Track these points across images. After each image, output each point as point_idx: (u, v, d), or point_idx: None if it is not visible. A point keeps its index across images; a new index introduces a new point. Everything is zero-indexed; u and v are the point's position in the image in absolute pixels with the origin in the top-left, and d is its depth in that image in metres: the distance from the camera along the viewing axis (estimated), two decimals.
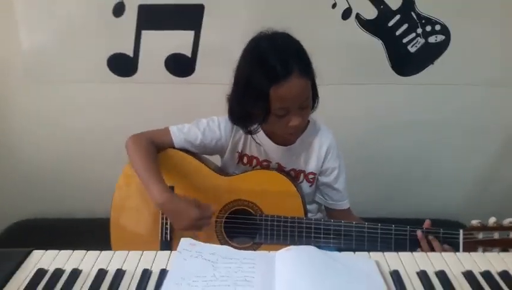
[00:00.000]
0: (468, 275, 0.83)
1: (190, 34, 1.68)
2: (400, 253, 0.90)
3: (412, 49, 1.69)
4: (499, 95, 1.77)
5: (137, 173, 1.17)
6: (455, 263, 0.88)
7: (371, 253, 0.90)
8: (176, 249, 0.87)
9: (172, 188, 1.23)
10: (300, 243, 1.15)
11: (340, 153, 1.30)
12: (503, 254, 0.91)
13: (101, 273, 0.83)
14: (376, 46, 1.69)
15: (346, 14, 1.65)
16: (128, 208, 1.28)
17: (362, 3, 1.63)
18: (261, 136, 1.25)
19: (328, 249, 1.11)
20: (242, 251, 0.90)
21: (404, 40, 1.69)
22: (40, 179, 1.93)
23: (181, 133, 1.26)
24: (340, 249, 1.12)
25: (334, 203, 1.31)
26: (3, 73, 1.77)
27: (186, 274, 0.81)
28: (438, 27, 1.66)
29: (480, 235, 1.07)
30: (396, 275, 0.83)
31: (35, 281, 0.81)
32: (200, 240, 0.91)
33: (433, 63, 1.71)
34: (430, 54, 1.71)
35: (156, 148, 1.24)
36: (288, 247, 0.88)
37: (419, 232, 1.11)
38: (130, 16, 1.66)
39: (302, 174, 1.28)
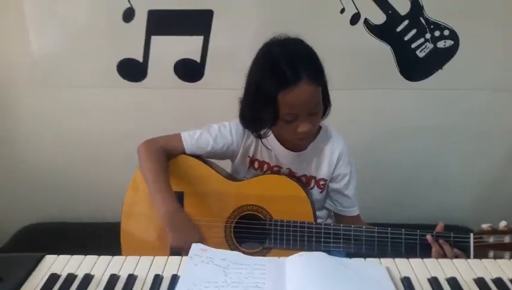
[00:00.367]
0: (480, 282, 0.83)
1: (199, 39, 1.69)
2: (410, 259, 0.90)
3: (420, 54, 1.69)
4: (507, 100, 1.76)
5: (147, 182, 1.18)
6: (466, 269, 0.87)
7: (382, 259, 0.90)
8: (185, 255, 0.88)
9: (182, 193, 1.24)
10: (310, 248, 1.16)
11: (352, 159, 1.30)
12: None
13: (113, 279, 0.84)
14: (384, 51, 1.69)
15: (354, 19, 1.65)
16: (138, 212, 1.28)
17: (371, 9, 1.64)
18: (272, 141, 1.26)
19: (338, 253, 1.12)
20: (253, 256, 0.90)
21: (413, 45, 1.68)
22: (48, 184, 1.94)
23: (192, 139, 1.26)
24: (350, 254, 1.13)
25: (344, 209, 1.30)
26: (12, 77, 1.78)
27: (197, 280, 0.81)
28: (446, 32, 1.66)
29: (491, 239, 1.06)
30: (407, 282, 0.83)
31: (48, 286, 0.82)
32: (209, 245, 0.91)
33: (441, 68, 1.71)
34: (439, 59, 1.70)
35: (167, 156, 1.24)
36: (299, 253, 0.88)
37: (429, 236, 1.10)
38: (140, 21, 1.67)
39: (313, 180, 1.28)
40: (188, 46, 1.71)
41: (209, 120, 1.31)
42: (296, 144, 1.23)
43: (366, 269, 0.86)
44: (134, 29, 1.68)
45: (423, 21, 1.65)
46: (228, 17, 1.66)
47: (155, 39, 1.70)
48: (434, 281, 0.83)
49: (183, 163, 1.27)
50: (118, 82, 1.75)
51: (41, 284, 0.83)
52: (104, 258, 0.90)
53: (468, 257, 1.06)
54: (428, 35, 1.67)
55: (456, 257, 1.05)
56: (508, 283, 0.83)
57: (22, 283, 0.83)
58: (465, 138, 1.84)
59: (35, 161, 1.92)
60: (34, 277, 0.85)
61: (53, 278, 0.84)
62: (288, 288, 0.79)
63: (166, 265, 0.88)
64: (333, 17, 1.65)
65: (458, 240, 1.09)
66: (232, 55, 1.66)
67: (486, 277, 0.84)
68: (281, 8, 1.64)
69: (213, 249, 0.90)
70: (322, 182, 1.28)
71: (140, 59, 1.73)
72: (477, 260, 0.91)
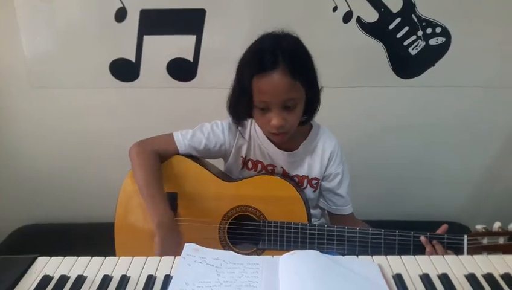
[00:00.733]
0: (471, 278, 0.83)
1: (192, 38, 1.69)
2: (402, 256, 0.90)
3: (412, 51, 1.70)
4: (500, 96, 1.77)
5: (139, 187, 1.18)
6: (458, 266, 0.88)
7: (374, 257, 0.90)
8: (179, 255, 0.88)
9: (175, 194, 1.23)
10: (303, 249, 1.16)
11: (344, 158, 1.29)
12: (505, 257, 0.91)
13: (106, 280, 0.83)
14: (377, 49, 1.70)
15: (347, 17, 1.65)
16: (132, 212, 1.27)
17: (363, 7, 1.64)
18: (264, 140, 1.26)
19: (331, 254, 1.11)
20: (246, 255, 0.90)
21: (405, 43, 1.69)
22: (42, 185, 1.93)
23: (185, 139, 1.26)
24: (343, 255, 1.13)
25: (337, 208, 1.30)
26: (6, 79, 1.77)
27: (190, 279, 0.81)
28: (438, 29, 1.66)
29: (485, 241, 1.06)
30: (399, 279, 0.83)
31: (41, 287, 0.82)
32: (203, 246, 0.91)
33: (434, 65, 1.72)
34: (431, 56, 1.71)
35: (159, 159, 1.24)
36: (292, 251, 0.88)
37: (423, 238, 1.10)
38: (132, 21, 1.66)
39: (306, 180, 1.28)
40: (180, 45, 1.71)
41: (203, 119, 1.31)
42: (275, 139, 1.21)
43: (358, 266, 0.86)
44: (127, 29, 1.67)
45: (415, 18, 1.65)
46: (221, 16, 1.66)
47: (147, 39, 1.69)
48: (426, 278, 0.83)
49: (176, 163, 1.26)
50: (110, 82, 1.75)
51: (34, 286, 0.82)
52: (97, 259, 0.90)
53: None
54: (420, 33, 1.67)
55: None
56: (499, 279, 0.83)
57: (14, 285, 0.82)
58: (458, 135, 1.84)
59: (29, 162, 1.91)
60: (26, 279, 0.84)
61: (45, 279, 0.84)
62: (281, 286, 0.79)
63: (159, 265, 0.88)
64: (326, 15, 1.65)
65: (452, 241, 1.09)
66: (225, 54, 1.65)
67: (477, 273, 0.85)
68: (274, 7, 1.64)
69: (206, 248, 0.90)
70: (314, 181, 1.28)
71: (133, 59, 1.72)
72: (468, 256, 0.91)
